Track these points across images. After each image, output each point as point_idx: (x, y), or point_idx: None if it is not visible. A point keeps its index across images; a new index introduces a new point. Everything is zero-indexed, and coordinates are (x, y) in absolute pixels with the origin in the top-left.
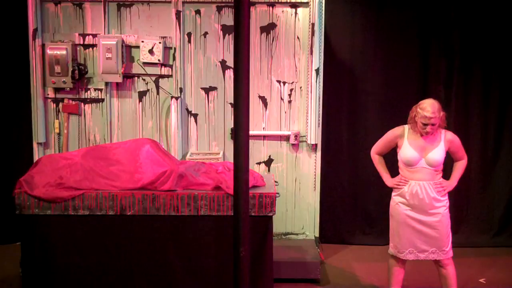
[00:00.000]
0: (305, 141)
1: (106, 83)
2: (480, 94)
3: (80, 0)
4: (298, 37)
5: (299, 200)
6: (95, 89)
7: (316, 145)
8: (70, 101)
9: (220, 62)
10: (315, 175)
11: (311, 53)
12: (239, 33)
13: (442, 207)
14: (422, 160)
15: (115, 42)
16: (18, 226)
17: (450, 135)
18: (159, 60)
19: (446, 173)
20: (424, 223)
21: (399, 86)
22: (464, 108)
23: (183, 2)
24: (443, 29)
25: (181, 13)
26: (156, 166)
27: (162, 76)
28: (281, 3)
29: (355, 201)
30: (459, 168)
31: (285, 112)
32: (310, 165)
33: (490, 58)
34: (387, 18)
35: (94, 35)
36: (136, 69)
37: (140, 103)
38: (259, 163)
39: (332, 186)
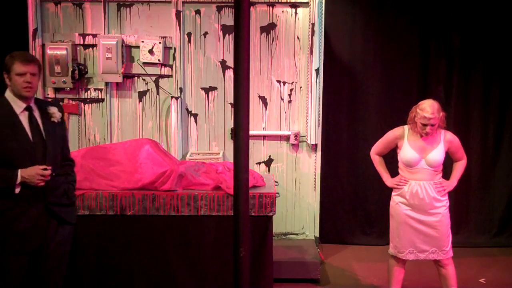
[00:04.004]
0: (305, 141)
1: (106, 83)
2: (480, 94)
3: (80, 0)
4: (298, 37)
5: (299, 200)
6: (95, 89)
7: (316, 145)
8: (70, 101)
9: (220, 62)
10: (315, 175)
11: (311, 53)
12: (239, 33)
13: (442, 207)
14: (422, 161)
15: (115, 42)
16: None
17: (449, 136)
18: (159, 60)
19: (446, 173)
20: (424, 223)
21: (399, 86)
22: (464, 108)
23: (183, 2)
24: (443, 29)
25: (181, 13)
26: (156, 166)
27: (162, 76)
28: (281, 3)
29: (355, 201)
30: (459, 168)
31: (285, 112)
32: (310, 165)
33: (490, 58)
34: (387, 18)
35: (94, 35)
36: (136, 69)
37: (140, 103)
38: (259, 163)
39: (332, 186)
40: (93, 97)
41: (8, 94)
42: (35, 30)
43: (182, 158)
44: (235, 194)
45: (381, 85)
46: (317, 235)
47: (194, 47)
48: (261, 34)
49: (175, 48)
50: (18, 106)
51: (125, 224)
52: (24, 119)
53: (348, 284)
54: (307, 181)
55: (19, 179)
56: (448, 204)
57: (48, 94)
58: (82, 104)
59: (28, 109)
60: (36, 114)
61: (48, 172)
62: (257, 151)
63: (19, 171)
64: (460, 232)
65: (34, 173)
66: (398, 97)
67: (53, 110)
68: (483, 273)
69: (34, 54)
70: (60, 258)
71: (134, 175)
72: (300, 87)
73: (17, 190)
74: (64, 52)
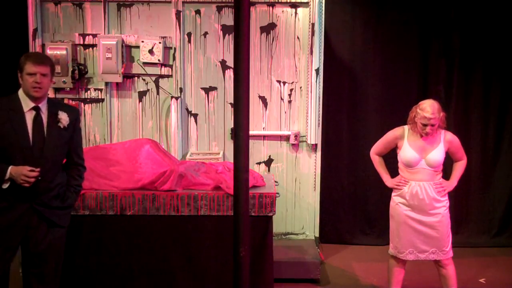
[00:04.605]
0: (305, 141)
1: (106, 83)
2: (480, 94)
3: (80, 0)
4: (298, 37)
5: (299, 200)
6: (95, 89)
7: (316, 145)
8: (70, 101)
9: (220, 62)
10: (315, 175)
11: (311, 53)
12: (239, 33)
13: (442, 207)
14: (422, 161)
15: (115, 42)
16: None
17: (449, 136)
18: (159, 60)
19: (446, 174)
20: (424, 223)
21: (399, 86)
22: (464, 108)
23: (183, 2)
24: (443, 29)
25: (181, 13)
26: (156, 166)
27: (162, 76)
28: (281, 3)
29: (355, 201)
30: (459, 168)
31: (285, 112)
32: (310, 165)
33: (490, 58)
34: (387, 18)
35: (94, 35)
36: (136, 69)
37: (140, 103)
38: (259, 163)
39: (332, 186)
40: (93, 97)
41: (20, 92)
42: (35, 30)
43: (182, 158)
44: (235, 194)
45: (381, 85)
46: (317, 235)
47: (194, 47)
48: (261, 34)
49: (175, 48)
50: (26, 104)
51: (125, 224)
52: (29, 118)
53: (348, 284)
54: (307, 181)
55: (7, 175)
56: (448, 204)
57: (48, 94)
58: (82, 104)
59: (36, 109)
60: (44, 115)
61: (34, 174)
62: (257, 151)
63: (10, 167)
64: (460, 232)
65: (20, 173)
66: (398, 97)
67: (62, 116)
68: (483, 273)
69: None
70: (54, 259)
71: (134, 175)
72: (300, 87)
73: (5, 186)
74: (64, 52)
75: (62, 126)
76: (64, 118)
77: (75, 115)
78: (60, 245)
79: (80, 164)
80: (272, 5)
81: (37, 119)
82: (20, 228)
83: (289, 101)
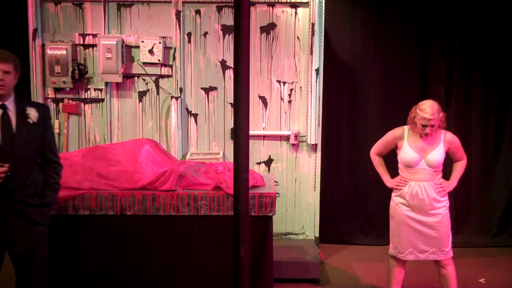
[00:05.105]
0: (305, 141)
1: (106, 83)
2: (480, 94)
3: (80, 0)
4: (298, 37)
5: (299, 200)
6: (95, 89)
7: (316, 145)
8: (70, 101)
9: (220, 62)
10: (315, 175)
11: (311, 53)
12: (239, 33)
13: (442, 207)
14: (422, 161)
15: (115, 42)
16: None
17: (449, 136)
18: (159, 60)
19: (446, 174)
20: (424, 223)
21: (399, 86)
22: (464, 108)
23: (183, 2)
24: (443, 29)
25: (181, 13)
26: (156, 166)
27: (162, 76)
28: (281, 3)
29: (355, 201)
30: (459, 168)
31: (285, 112)
32: (310, 165)
33: (490, 58)
34: (387, 18)
35: (94, 35)
36: (136, 69)
37: (140, 103)
38: (259, 163)
39: (332, 186)
40: (93, 97)
41: None
42: (35, 30)
43: (182, 158)
44: (235, 194)
45: (381, 85)
46: (317, 235)
47: (194, 47)
48: (261, 34)
49: (175, 48)
50: None
51: (125, 224)
52: None
53: (348, 284)
54: (307, 181)
55: None
56: (448, 204)
57: (48, 94)
58: (82, 104)
59: (2, 107)
60: (11, 113)
61: (3, 169)
62: (257, 151)
63: None
64: (460, 232)
65: None
66: (398, 97)
67: (31, 111)
68: (483, 273)
69: (34, 54)
70: (39, 259)
71: (134, 175)
72: (300, 87)
73: None
74: (64, 52)
75: (31, 122)
76: (32, 113)
77: (44, 111)
78: (43, 244)
79: (55, 161)
80: (272, 5)
81: (4, 117)
82: (0, 228)
83: (289, 101)
